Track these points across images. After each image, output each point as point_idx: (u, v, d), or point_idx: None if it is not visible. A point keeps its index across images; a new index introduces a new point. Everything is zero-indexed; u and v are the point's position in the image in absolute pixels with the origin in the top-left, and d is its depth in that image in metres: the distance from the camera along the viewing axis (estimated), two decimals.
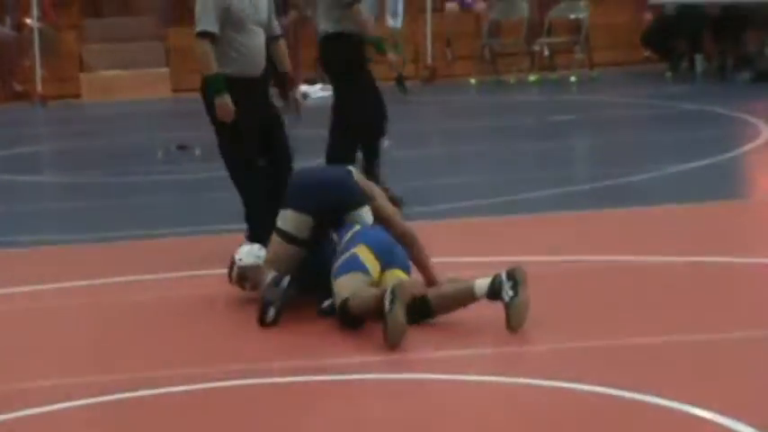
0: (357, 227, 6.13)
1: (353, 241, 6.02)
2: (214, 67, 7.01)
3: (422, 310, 5.79)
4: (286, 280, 5.97)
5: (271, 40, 7.29)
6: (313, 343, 5.71)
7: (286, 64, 7.37)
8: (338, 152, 8.61)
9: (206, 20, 7.03)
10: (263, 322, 5.92)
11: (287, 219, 6.21)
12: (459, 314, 5.82)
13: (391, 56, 8.86)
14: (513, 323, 5.63)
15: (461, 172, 10.39)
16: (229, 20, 7.05)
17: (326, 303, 5.99)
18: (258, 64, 7.15)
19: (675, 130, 12.26)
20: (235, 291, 6.43)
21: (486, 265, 6.51)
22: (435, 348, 5.49)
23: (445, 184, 9.75)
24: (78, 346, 5.96)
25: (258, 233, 6.92)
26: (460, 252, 7.05)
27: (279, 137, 7.26)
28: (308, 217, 6.17)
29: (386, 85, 16.13)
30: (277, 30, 7.35)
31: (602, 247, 7.21)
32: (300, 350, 5.61)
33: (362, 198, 6.30)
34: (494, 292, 5.71)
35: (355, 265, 5.91)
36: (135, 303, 6.62)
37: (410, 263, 6.15)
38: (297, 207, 6.22)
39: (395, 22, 16.30)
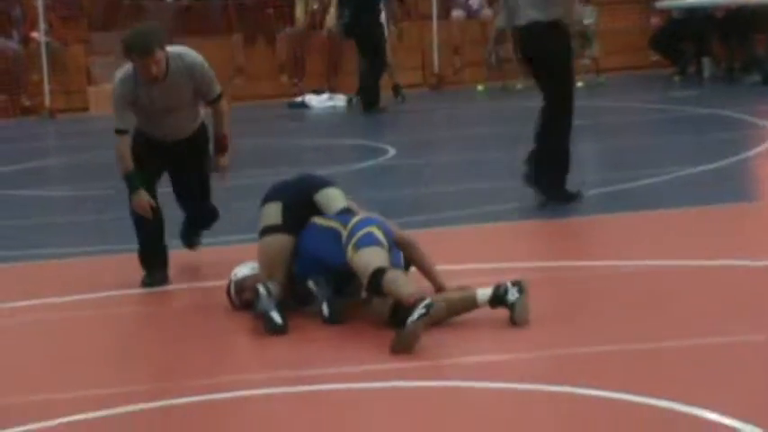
0: (362, 214, 6.13)
1: (364, 223, 6.01)
2: (129, 165, 6.98)
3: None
4: (262, 286, 5.99)
5: (210, 104, 7.17)
6: (336, 350, 5.67)
7: (222, 127, 7.17)
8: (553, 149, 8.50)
9: (119, 118, 7.00)
10: (274, 330, 5.90)
11: (261, 217, 6.36)
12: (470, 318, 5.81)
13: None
14: (518, 318, 5.67)
15: (470, 179, 10.37)
16: (138, 108, 7.01)
17: (325, 310, 5.97)
18: (166, 136, 7.12)
19: (684, 134, 12.23)
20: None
21: (496, 271, 6.51)
22: (464, 354, 5.44)
23: (453, 192, 9.73)
24: (92, 356, 5.95)
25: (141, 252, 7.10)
26: (469, 259, 7.03)
27: (198, 198, 7.30)
28: (275, 203, 6.32)
29: (383, 95, 16.23)
30: (212, 93, 7.10)
31: (613, 252, 7.19)
32: (330, 358, 5.57)
33: (326, 182, 6.41)
34: (497, 299, 5.73)
35: (374, 241, 5.91)
36: (148, 314, 6.61)
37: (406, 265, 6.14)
38: (265, 201, 6.39)
39: None
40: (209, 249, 7.78)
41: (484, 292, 5.79)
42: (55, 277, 7.52)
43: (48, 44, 17.20)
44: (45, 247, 8.45)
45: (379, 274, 5.75)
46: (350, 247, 5.93)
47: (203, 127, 7.30)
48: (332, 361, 5.51)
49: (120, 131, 7.01)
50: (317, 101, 16.60)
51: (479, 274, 6.57)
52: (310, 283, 6.05)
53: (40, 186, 11.40)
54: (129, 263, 7.27)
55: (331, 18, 17.49)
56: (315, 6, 17.73)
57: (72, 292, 7.00)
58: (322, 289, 6.01)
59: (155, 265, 7.10)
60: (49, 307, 6.79)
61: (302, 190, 6.37)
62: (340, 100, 16.56)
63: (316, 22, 17.71)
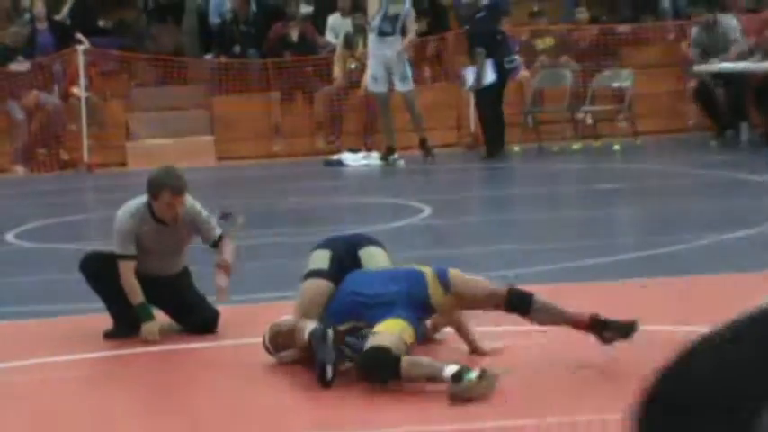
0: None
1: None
2: (140, 296, 7.01)
3: (393, 370, 5.77)
4: (330, 333, 5.98)
5: (213, 246, 7.25)
6: (371, 411, 5.67)
7: (224, 257, 7.19)
8: None
9: (122, 245, 7.06)
10: (324, 382, 5.91)
11: (309, 261, 6.46)
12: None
13: None
14: (453, 392, 5.58)
15: (504, 240, 10.38)
16: (138, 243, 7.09)
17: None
18: (153, 272, 7.13)
19: (720, 199, 12.20)
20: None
21: (525, 333, 6.51)
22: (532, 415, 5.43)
23: (488, 252, 9.73)
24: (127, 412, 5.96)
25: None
26: (501, 321, 7.01)
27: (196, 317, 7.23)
28: (325, 250, 6.45)
29: (419, 154, 16.29)
30: (213, 235, 7.21)
31: (646, 317, 7.15)
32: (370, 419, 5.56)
33: (374, 241, 6.59)
34: (459, 377, 5.65)
35: None
36: (193, 369, 6.62)
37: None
38: (316, 248, 6.53)
39: (403, 85, 16.30)
40: (243, 307, 7.80)
41: (450, 369, 5.70)
42: (81, 333, 7.50)
43: (87, 99, 17.38)
44: (78, 301, 8.48)
45: (527, 295, 6.12)
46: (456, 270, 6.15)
47: (187, 269, 7.38)
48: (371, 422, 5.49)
49: (124, 257, 7.05)
50: (352, 159, 16.68)
51: (509, 335, 6.57)
52: (346, 350, 6.02)
53: (76, 240, 11.47)
54: (160, 318, 7.29)
55: (367, 77, 17.59)
56: (352, 66, 17.85)
57: (97, 349, 7.02)
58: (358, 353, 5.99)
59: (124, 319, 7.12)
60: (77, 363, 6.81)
61: (351, 244, 6.55)
62: (375, 158, 16.64)
63: (353, 80, 17.82)
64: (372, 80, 16.41)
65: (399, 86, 16.28)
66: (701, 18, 16.75)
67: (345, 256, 6.42)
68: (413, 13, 16.53)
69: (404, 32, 16.35)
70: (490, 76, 16.29)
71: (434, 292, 6.12)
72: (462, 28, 17.73)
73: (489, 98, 16.27)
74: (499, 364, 5.99)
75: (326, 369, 5.89)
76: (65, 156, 17.37)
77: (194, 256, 7.34)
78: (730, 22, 16.61)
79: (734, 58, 16.42)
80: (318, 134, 17.85)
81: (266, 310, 7.32)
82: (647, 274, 8.55)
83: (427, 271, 6.20)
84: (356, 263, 6.41)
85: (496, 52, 16.24)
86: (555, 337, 6.45)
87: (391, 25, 16.22)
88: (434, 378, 5.74)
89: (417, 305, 6.07)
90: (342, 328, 6.06)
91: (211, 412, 5.82)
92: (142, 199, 7.11)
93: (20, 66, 17.46)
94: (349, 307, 6.14)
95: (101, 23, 19.02)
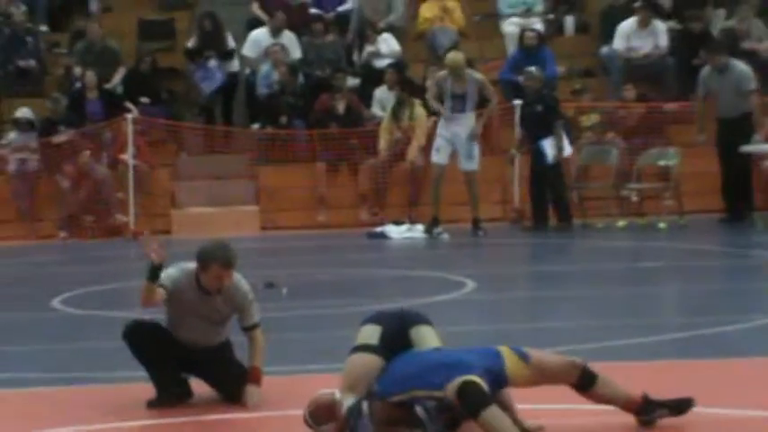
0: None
1: None
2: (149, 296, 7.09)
3: (484, 405, 5.79)
4: (365, 405, 5.94)
5: (244, 330, 7.26)
6: None
7: (255, 358, 7.19)
8: None
9: (164, 275, 7.12)
10: None
11: (359, 335, 6.40)
12: None
13: None
14: None
15: (547, 317, 10.32)
16: (176, 308, 7.15)
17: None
18: (193, 341, 7.17)
19: (766, 280, 12.09)
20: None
21: (572, 412, 6.44)
22: None
23: (532, 329, 9.68)
24: None
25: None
26: (546, 399, 6.96)
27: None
28: (376, 326, 6.38)
29: (463, 227, 16.29)
30: (250, 320, 7.22)
31: (696, 399, 7.08)
32: None
33: (424, 319, 6.48)
34: None
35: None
36: None
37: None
38: (365, 322, 6.46)
39: (469, 164, 16.33)
40: (285, 378, 7.78)
41: None
42: (127, 400, 7.50)
43: (135, 167, 17.53)
44: (122, 369, 8.49)
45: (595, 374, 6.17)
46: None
47: (228, 340, 7.39)
48: None
49: (156, 280, 7.08)
50: (396, 231, 16.69)
51: (554, 414, 6.51)
52: (419, 410, 5.95)
53: (121, 308, 11.50)
54: (199, 389, 7.27)
55: (413, 149, 17.65)
56: (398, 136, 17.90)
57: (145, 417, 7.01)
58: (433, 421, 5.91)
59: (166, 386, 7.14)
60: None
61: (401, 322, 6.45)
62: (418, 231, 16.63)
63: (398, 153, 17.88)
64: (435, 151, 16.48)
65: (465, 165, 16.32)
66: (713, 61, 16.64)
67: (396, 333, 6.35)
68: (486, 84, 16.49)
69: (482, 104, 16.43)
70: (568, 148, 16.50)
71: (512, 364, 6.13)
72: (510, 102, 17.76)
73: (557, 171, 16.41)
74: None
75: None
76: (118, 221, 17.47)
77: (235, 324, 7.32)
78: (744, 70, 16.52)
79: (757, 107, 16.25)
80: (362, 206, 17.89)
81: (308, 382, 7.29)
82: (694, 354, 8.47)
83: (501, 348, 6.20)
84: (406, 341, 6.34)
85: (564, 125, 16.48)
86: (595, 417, 6.38)
87: (461, 103, 16.26)
88: None
89: (492, 377, 6.02)
90: (395, 399, 6.01)
91: None
92: (190, 266, 7.15)
93: (61, 137, 17.65)
94: (409, 376, 6.09)
95: (152, 93, 19.17)
